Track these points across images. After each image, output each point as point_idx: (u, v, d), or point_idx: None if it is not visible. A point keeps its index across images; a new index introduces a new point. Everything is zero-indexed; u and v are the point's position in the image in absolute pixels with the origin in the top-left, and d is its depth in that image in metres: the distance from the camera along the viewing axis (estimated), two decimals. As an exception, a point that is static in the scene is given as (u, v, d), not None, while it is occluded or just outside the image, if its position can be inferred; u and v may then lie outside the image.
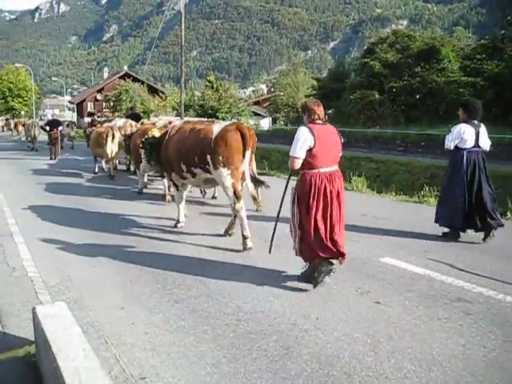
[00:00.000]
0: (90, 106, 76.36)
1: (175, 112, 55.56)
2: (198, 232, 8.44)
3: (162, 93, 66.57)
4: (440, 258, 6.81)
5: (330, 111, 44.16)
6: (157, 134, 9.59)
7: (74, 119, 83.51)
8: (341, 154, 5.79)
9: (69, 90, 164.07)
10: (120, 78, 70.67)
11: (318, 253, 5.53)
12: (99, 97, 74.34)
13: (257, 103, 75.55)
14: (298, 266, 5.98)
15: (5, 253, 7.40)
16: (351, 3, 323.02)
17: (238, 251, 7.22)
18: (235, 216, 7.99)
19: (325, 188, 5.50)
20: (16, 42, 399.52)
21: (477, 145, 7.63)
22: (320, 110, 5.66)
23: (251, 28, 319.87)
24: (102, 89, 74.87)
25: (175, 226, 8.94)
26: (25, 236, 8.49)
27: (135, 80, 66.08)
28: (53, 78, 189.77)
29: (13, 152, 29.00)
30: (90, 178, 17.02)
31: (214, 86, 59.25)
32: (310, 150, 5.44)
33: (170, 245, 7.75)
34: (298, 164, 5.55)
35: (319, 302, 5.26)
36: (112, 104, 62.51)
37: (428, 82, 31.96)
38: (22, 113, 73.26)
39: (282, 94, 57.25)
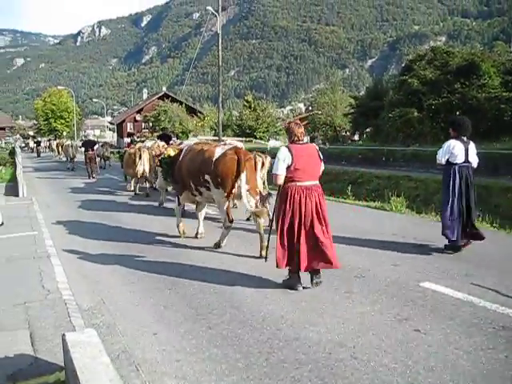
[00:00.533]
0: (129, 127, 77.39)
1: (213, 132, 56.07)
2: (233, 254, 8.36)
3: (201, 113, 67.22)
4: (483, 283, 6.50)
5: (368, 129, 43.86)
6: (172, 153, 10.34)
7: (114, 139, 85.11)
8: (322, 169, 6.55)
9: (109, 110, 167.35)
10: (159, 98, 71.54)
11: (291, 262, 6.31)
12: (138, 117, 75.36)
13: (295, 122, 75.53)
14: (334, 294, 5.85)
15: (41, 275, 7.44)
16: (388, 20, 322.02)
17: (275, 281, 7.08)
18: (226, 228, 8.76)
19: (300, 200, 6.19)
20: (59, 65, 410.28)
21: (467, 160, 8.07)
22: (300, 132, 6.39)
23: (288, 47, 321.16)
24: (142, 109, 75.88)
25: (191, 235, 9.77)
26: (61, 258, 8.57)
27: (174, 100, 66.77)
28: (94, 100, 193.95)
29: (53, 172, 29.90)
30: (124, 197, 17.58)
31: (252, 105, 59.70)
32: (288, 167, 6.18)
33: (204, 268, 7.65)
34: (280, 180, 6.27)
35: (356, 330, 5.08)
36: (151, 124, 63.31)
37: (468, 98, 31.40)
38: (64, 133, 74.85)
39: (319, 112, 57.09)
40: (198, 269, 7.66)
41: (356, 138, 50.36)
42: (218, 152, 8.62)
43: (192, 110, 70.45)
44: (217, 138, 32.11)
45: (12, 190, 19.56)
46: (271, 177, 6.56)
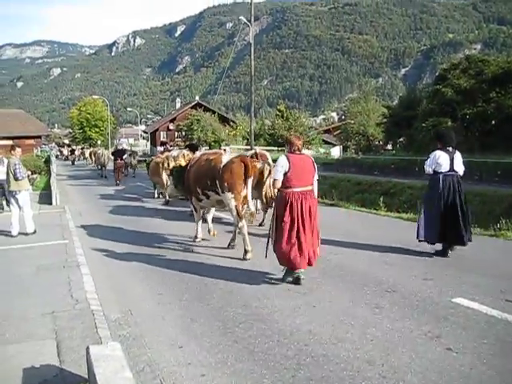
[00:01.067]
0: (162, 136, 78.06)
1: (245, 141, 56.09)
2: (259, 265, 8.27)
3: (233, 122, 67.35)
4: (518, 299, 6.27)
5: (401, 139, 43.36)
6: (183, 163, 11.45)
7: (148, 148, 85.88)
8: (316, 178, 7.43)
9: (143, 119, 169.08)
10: (192, 107, 72.00)
11: (291, 261, 7.02)
12: (171, 126, 75.95)
13: (327, 131, 75.33)
14: (363, 309, 5.72)
15: (70, 285, 7.50)
16: (422, 29, 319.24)
17: (304, 293, 6.97)
18: (238, 232, 9.49)
19: (296, 203, 7.04)
20: (94, 74, 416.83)
21: (452, 169, 8.66)
22: (299, 143, 7.36)
23: (321, 56, 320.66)
24: (175, 118, 76.46)
25: (193, 241, 10.55)
26: (91, 267, 8.63)
27: (207, 110, 67.11)
28: (128, 109, 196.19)
29: (86, 180, 30.58)
30: (151, 204, 18.12)
31: (285, 115, 59.53)
32: (285, 174, 7.04)
33: (232, 280, 7.59)
34: (278, 184, 7.16)
35: (385, 347, 4.94)
36: (184, 133, 63.72)
37: (504, 107, 30.81)
38: (99, 142, 75.74)
39: (352, 122, 56.79)
40: (225, 280, 7.59)
41: (389, 147, 49.88)
42: (225, 159, 9.46)
43: (224, 119, 70.71)
44: (249, 147, 32.15)
45: (46, 198, 19.87)
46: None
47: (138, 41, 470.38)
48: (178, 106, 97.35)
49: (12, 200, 11.98)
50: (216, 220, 12.44)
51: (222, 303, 6.52)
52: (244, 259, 8.74)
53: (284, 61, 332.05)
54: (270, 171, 10.92)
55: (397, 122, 40.15)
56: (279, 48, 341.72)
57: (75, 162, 60.83)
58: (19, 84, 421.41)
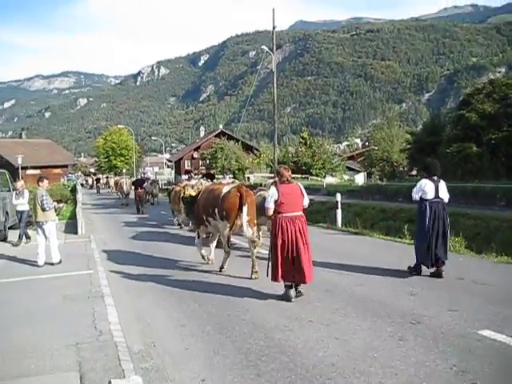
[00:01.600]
0: (187, 164, 78.68)
1: (269, 169, 56.29)
2: (280, 293, 8.24)
3: (257, 150, 67.72)
4: (547, 332, 6.07)
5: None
6: (193, 193, 12.14)
7: (172, 176, 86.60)
8: (307, 202, 8.38)
9: (167, 148, 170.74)
10: (216, 136, 72.56)
11: (282, 277, 7.97)
12: (196, 155, 76.51)
13: (351, 158, 75.26)
14: (387, 341, 5.64)
15: (94, 316, 7.52)
16: (445, 53, 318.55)
17: (327, 325, 6.92)
18: (228, 254, 10.63)
19: (287, 227, 7.92)
20: (120, 104, 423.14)
21: (437, 196, 9.41)
22: (287, 174, 8.32)
23: (344, 83, 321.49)
24: (199, 147, 77.06)
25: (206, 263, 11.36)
26: (115, 298, 8.68)
27: (230, 138, 67.56)
28: (153, 137, 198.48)
29: (111, 209, 31.14)
30: (173, 231, 18.68)
31: (308, 142, 59.72)
32: (275, 202, 7.98)
33: (254, 310, 7.58)
34: (269, 212, 8.10)
35: (410, 382, 4.85)
36: (208, 162, 64.12)
37: (530, 132, 30.53)
38: (124, 171, 76.52)
39: (376, 148, 56.65)
40: (247, 310, 7.58)
41: (414, 173, 49.53)
42: (225, 190, 10.49)
43: (248, 147, 71.12)
44: (272, 174, 32.24)
45: (71, 227, 20.12)
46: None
47: (163, 70, 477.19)
48: (202, 134, 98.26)
49: (39, 230, 12.13)
50: (241, 253, 12.48)
51: (245, 335, 6.49)
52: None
53: (307, 88, 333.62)
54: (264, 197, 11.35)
55: (421, 148, 39.89)
56: (302, 75, 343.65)
57: (100, 191, 61.68)
58: (47, 114, 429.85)
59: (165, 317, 7.53)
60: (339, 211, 18.36)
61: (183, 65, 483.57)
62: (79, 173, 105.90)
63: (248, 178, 55.78)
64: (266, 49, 31.88)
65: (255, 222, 10.48)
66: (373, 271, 9.91)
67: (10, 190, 18.98)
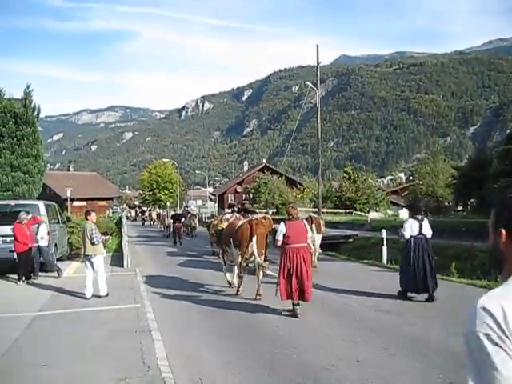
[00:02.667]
0: (230, 198, 79.10)
1: (313, 203, 56.13)
2: (329, 337, 8.18)
3: (300, 184, 67.67)
4: None
5: (472, 200, 42.22)
6: (224, 226, 14.05)
7: (216, 210, 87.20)
8: (311, 235, 11.01)
9: (211, 181, 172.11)
10: (259, 170, 72.97)
11: (288, 295, 9.66)
12: (239, 189, 76.95)
13: (395, 192, 74.51)
14: None
15: (142, 350, 7.57)
16: (490, 86, 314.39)
17: (375, 365, 6.83)
18: (239, 278, 12.27)
19: (293, 255, 9.65)
20: (164, 138, 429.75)
21: (421, 233, 11.11)
22: (294, 212, 10.17)
23: (387, 117, 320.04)
24: (242, 181, 77.54)
25: (231, 287, 12.85)
26: (162, 332, 8.70)
27: (274, 172, 67.80)
28: (196, 171, 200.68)
29: (155, 243, 31.42)
30: (214, 260, 19.49)
31: (352, 177, 59.48)
32: (284, 235, 9.73)
33: (300, 351, 7.53)
34: (278, 243, 9.88)
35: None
36: (251, 196, 64.36)
37: None
38: (168, 204, 77.37)
39: (420, 182, 56.01)
40: (295, 348, 7.54)
41: (459, 208, 48.65)
42: (240, 224, 12.38)
43: (292, 181, 71.23)
44: (316, 209, 32.20)
45: (117, 260, 20.34)
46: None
47: (207, 105, 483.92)
48: (245, 168, 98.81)
49: (87, 263, 12.33)
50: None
51: (293, 374, 6.45)
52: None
53: (350, 122, 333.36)
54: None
55: (467, 183, 39.26)
56: (345, 109, 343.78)
57: (145, 223, 62.59)
58: (93, 147, 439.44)
59: (212, 352, 7.55)
60: (385, 248, 18.16)
61: (227, 99, 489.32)
62: (124, 205, 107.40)
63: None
64: (310, 84, 32.08)
65: (263, 250, 11.91)
66: (421, 310, 9.78)
67: (59, 222, 19.41)
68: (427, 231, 11.22)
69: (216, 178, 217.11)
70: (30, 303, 11.59)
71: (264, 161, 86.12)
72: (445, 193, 49.77)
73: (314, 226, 15.65)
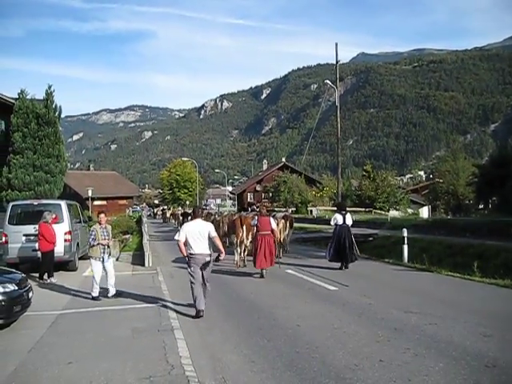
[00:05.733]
0: (249, 197, 79.19)
1: (332, 202, 56.01)
2: (351, 335, 8.17)
3: (319, 183, 67.57)
4: None
5: (494, 198, 41.70)
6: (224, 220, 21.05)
7: (235, 209, 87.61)
8: (273, 226, 15.33)
9: (230, 180, 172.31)
10: (278, 169, 72.97)
11: (259, 265, 14.87)
12: (258, 188, 77.04)
13: (415, 191, 74.13)
14: None
15: (165, 349, 7.61)
16: (511, 83, 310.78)
17: (398, 365, 6.82)
18: (240, 255, 17.96)
19: (261, 239, 14.93)
20: (183, 137, 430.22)
21: (344, 222, 16.54)
22: (264, 211, 16.16)
23: (407, 115, 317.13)
24: (262, 180, 77.61)
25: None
26: (184, 331, 8.74)
27: (293, 171, 67.81)
28: (216, 170, 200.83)
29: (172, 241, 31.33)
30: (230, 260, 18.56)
31: (371, 175, 59.26)
32: (256, 225, 15.35)
33: (323, 350, 7.54)
34: (254, 228, 15.70)
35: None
36: (271, 195, 64.40)
37: None
38: (187, 202, 77.68)
39: (441, 181, 55.64)
40: (316, 347, 7.53)
41: (481, 207, 48.17)
42: (234, 218, 19.28)
43: (311, 180, 71.17)
44: (335, 208, 32.16)
45: (138, 259, 20.45)
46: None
47: (226, 104, 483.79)
48: (264, 167, 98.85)
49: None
50: (311, 287, 12.48)
51: (316, 373, 6.46)
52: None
53: (369, 120, 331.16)
54: (284, 226, 20.11)
55: (488, 181, 38.84)
56: (364, 108, 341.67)
57: (166, 221, 63.13)
58: (113, 147, 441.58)
59: (235, 352, 7.57)
60: (405, 247, 18.05)
61: (246, 98, 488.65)
62: (144, 204, 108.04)
63: (311, 211, 55.63)
64: (329, 83, 32.00)
65: (249, 236, 17.36)
66: (443, 309, 9.73)
67: (80, 222, 19.57)
68: (348, 221, 16.67)
69: (235, 177, 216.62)
70: (52, 302, 11.70)
71: (283, 159, 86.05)
72: (466, 191, 49.39)
73: (288, 222, 20.65)
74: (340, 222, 16.43)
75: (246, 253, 18.08)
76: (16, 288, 9.33)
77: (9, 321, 9.30)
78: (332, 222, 16.82)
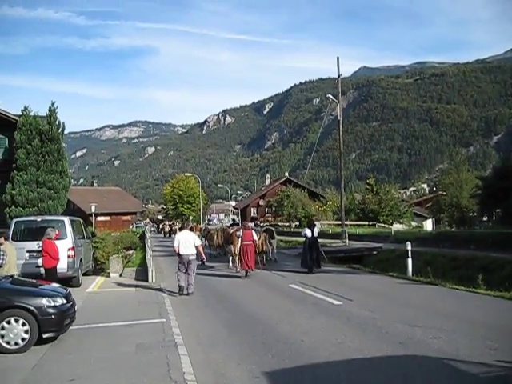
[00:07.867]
0: (252, 211, 79.23)
1: (336, 216, 55.97)
2: (361, 352, 8.12)
3: (323, 197, 67.56)
4: None
5: (498, 210, 41.53)
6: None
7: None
8: (254, 237, 18.92)
9: (233, 195, 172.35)
10: (282, 183, 73.03)
11: (243, 267, 18.94)
12: (262, 202, 77.06)
13: (418, 204, 74.03)
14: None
15: (169, 365, 7.57)
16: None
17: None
18: (233, 262, 21.83)
19: (245, 248, 18.47)
20: (186, 152, 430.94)
21: (312, 235, 19.93)
22: (247, 225, 19.90)
23: (409, 128, 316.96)
24: (265, 194, 77.67)
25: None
26: (188, 347, 8.70)
27: (296, 185, 67.79)
28: (219, 185, 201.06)
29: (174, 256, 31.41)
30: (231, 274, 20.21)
31: (374, 189, 59.17)
32: (240, 237, 19.30)
33: (327, 369, 7.49)
34: (238, 240, 19.53)
35: None
36: (274, 209, 64.38)
37: None
38: (191, 218, 77.66)
39: (444, 193, 55.56)
40: (322, 368, 7.49)
41: (485, 219, 48.00)
42: (231, 231, 22.36)
43: (314, 194, 71.22)
44: (339, 222, 32.11)
45: (142, 274, 20.41)
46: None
47: (228, 119, 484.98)
48: (267, 182, 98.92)
49: None
50: (315, 301, 12.44)
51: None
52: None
53: (371, 134, 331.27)
54: (265, 237, 23.05)
55: (492, 194, 38.72)
56: (366, 121, 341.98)
57: (167, 235, 62.95)
58: (116, 162, 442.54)
59: (239, 368, 7.52)
60: (410, 260, 17.95)
61: (248, 113, 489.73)
62: (147, 220, 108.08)
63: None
64: (332, 97, 32.12)
65: (237, 246, 19.81)
66: (448, 323, 9.67)
67: (84, 238, 19.58)
68: (316, 234, 20.21)
69: (238, 192, 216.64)
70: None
71: (286, 174, 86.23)
72: (469, 203, 49.27)
73: (268, 234, 23.80)
74: (309, 235, 19.95)
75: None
76: (65, 302, 9.48)
77: (59, 333, 9.39)
78: (302, 234, 20.95)
